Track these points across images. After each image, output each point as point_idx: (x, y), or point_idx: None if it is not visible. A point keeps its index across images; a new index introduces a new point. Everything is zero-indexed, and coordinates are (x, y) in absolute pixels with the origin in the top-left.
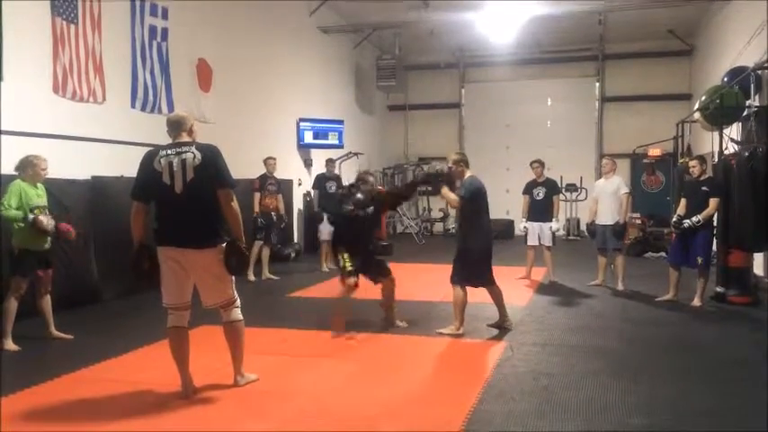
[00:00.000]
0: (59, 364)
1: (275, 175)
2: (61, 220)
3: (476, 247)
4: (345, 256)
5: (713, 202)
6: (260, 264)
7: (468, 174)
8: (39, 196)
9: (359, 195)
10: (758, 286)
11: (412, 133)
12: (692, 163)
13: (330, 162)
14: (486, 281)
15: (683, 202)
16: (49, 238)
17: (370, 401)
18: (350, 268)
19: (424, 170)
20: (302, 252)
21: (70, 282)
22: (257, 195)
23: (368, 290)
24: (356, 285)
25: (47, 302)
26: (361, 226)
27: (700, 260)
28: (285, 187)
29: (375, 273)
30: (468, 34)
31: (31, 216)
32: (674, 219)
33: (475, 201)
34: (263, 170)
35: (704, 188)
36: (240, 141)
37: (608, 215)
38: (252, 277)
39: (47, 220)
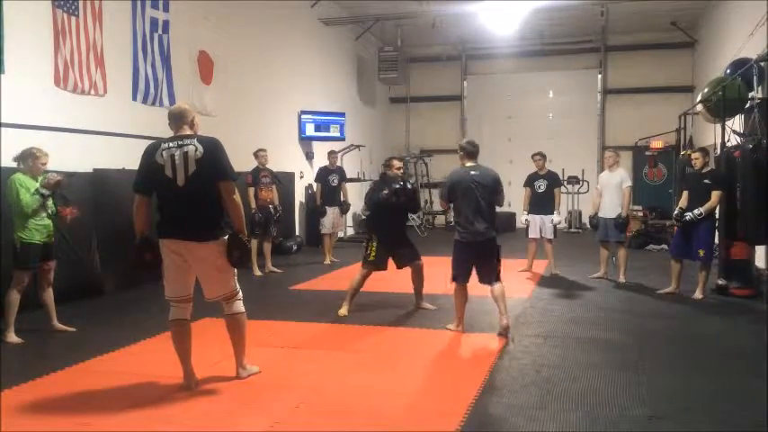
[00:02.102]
0: (62, 356)
1: (268, 166)
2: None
3: (454, 241)
4: (374, 245)
5: (715, 194)
6: (262, 257)
7: (465, 164)
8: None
9: (395, 184)
10: (760, 279)
11: (414, 126)
12: (694, 155)
13: (333, 154)
14: (480, 278)
15: (684, 194)
16: (50, 234)
17: (372, 393)
18: (372, 258)
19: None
20: (303, 245)
21: (72, 274)
22: (251, 190)
23: (378, 283)
24: (369, 273)
25: (49, 295)
26: (396, 213)
27: (701, 252)
28: (286, 180)
29: (407, 258)
30: (470, 26)
31: (42, 190)
32: (676, 211)
33: (451, 196)
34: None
35: (706, 181)
36: (242, 134)
37: (611, 208)
38: (258, 272)
39: (46, 179)
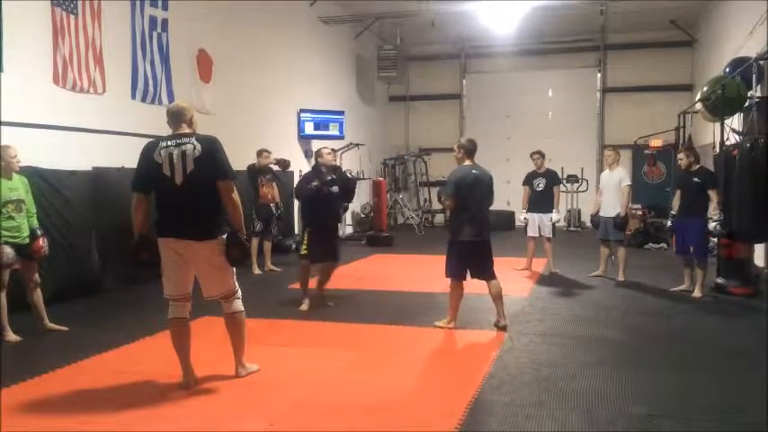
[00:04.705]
0: (60, 355)
1: (270, 166)
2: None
3: (452, 240)
4: (306, 238)
5: (713, 193)
6: (262, 255)
7: (465, 163)
8: (12, 190)
9: (327, 176)
10: (759, 277)
11: (413, 124)
12: (679, 156)
13: (333, 153)
14: (474, 276)
15: (677, 193)
16: (26, 235)
17: (371, 392)
18: (304, 252)
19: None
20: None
21: (71, 272)
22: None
23: (377, 283)
24: (307, 266)
25: (38, 296)
26: (327, 205)
27: (692, 249)
28: (286, 178)
29: (331, 255)
30: (469, 25)
31: None
32: (670, 220)
33: (457, 194)
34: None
35: (695, 179)
36: (240, 132)
37: (610, 207)
38: (257, 271)
39: (5, 254)
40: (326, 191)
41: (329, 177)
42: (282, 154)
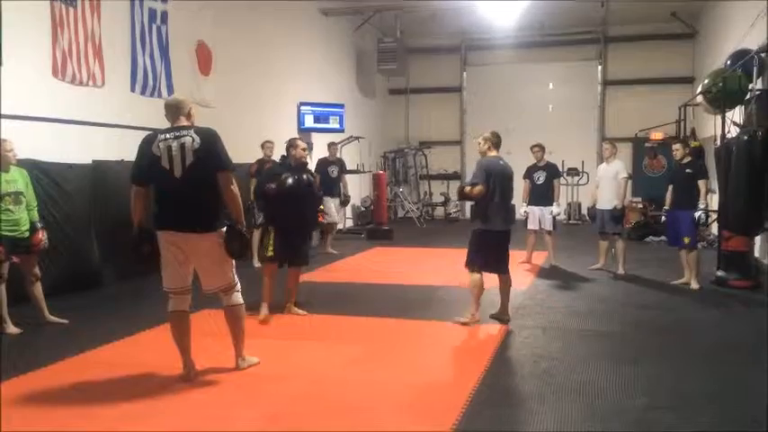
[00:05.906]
0: (60, 347)
1: (273, 158)
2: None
3: (481, 229)
4: (271, 239)
5: (702, 184)
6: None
7: (490, 154)
8: (8, 182)
9: (303, 173)
10: (759, 270)
11: (413, 117)
12: (674, 146)
13: (332, 146)
14: (494, 268)
15: (670, 188)
16: (26, 229)
17: (371, 385)
18: (270, 254)
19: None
20: None
21: (71, 265)
22: (254, 181)
23: (376, 275)
24: (271, 270)
25: (38, 289)
26: (300, 202)
27: (687, 240)
28: None
29: (297, 258)
30: (470, 17)
31: None
32: (664, 211)
33: (487, 182)
34: (262, 154)
35: (688, 170)
36: (240, 125)
37: (608, 200)
38: (258, 263)
39: None
40: (306, 189)
41: (289, 179)
42: (282, 146)
